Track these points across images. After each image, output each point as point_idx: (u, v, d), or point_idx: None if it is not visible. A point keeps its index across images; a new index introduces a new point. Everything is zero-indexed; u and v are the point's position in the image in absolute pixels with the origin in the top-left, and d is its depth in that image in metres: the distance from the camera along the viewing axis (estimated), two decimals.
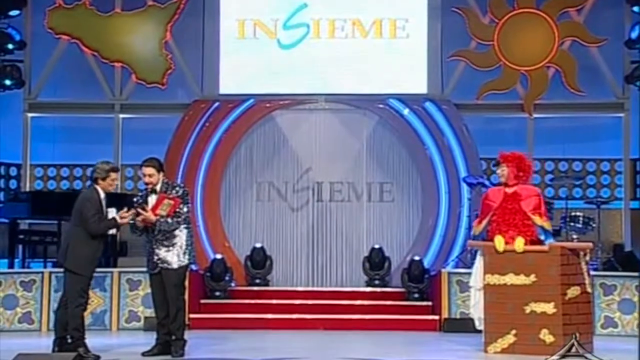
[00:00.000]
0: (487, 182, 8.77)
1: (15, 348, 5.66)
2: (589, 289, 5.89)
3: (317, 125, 9.62)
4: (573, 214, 8.27)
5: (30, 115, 9.90)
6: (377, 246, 8.86)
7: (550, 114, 9.75)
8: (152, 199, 5.70)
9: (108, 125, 9.86)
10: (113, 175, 5.62)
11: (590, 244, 6.12)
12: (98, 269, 5.78)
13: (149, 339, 6.28)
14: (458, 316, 7.55)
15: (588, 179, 9.77)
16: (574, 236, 7.97)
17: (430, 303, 7.98)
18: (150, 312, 7.62)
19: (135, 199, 5.84)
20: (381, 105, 9.59)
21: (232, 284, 8.44)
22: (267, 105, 9.64)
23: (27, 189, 9.69)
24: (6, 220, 8.85)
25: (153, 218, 5.59)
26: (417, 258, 8.40)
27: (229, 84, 9.73)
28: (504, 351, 5.76)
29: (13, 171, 9.96)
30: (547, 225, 5.94)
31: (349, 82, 9.71)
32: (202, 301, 8.11)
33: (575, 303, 5.75)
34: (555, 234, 7.93)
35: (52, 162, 9.96)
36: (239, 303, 8.10)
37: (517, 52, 9.62)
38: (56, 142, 9.93)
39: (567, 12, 9.68)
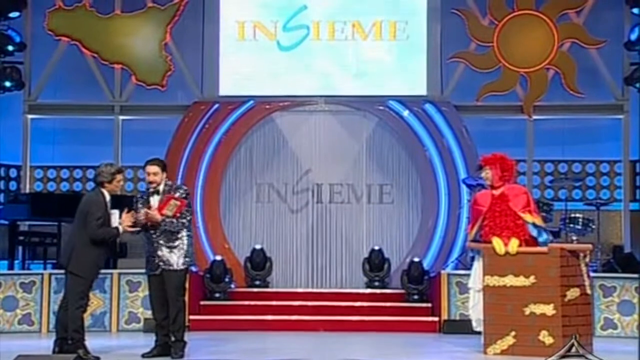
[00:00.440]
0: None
1: (15, 349, 5.69)
2: (588, 291, 5.89)
3: (317, 127, 9.63)
4: (572, 215, 8.28)
5: (30, 116, 9.91)
6: (376, 248, 8.87)
7: (549, 116, 9.77)
8: (154, 200, 5.70)
9: (108, 126, 9.87)
10: (119, 177, 5.62)
11: (590, 246, 6.12)
12: (97, 276, 5.76)
13: (149, 341, 6.28)
14: (458, 318, 7.55)
15: (587, 181, 9.78)
16: (574, 238, 8.03)
17: (429, 304, 7.98)
18: (150, 313, 7.64)
19: (135, 199, 5.83)
20: (381, 107, 9.61)
21: (232, 286, 8.45)
22: (267, 106, 9.65)
23: (27, 191, 9.69)
24: (6, 222, 8.84)
25: (159, 217, 5.59)
26: (416, 259, 8.41)
27: (228, 85, 9.75)
28: (503, 352, 5.76)
29: (13, 173, 9.97)
30: (538, 221, 5.94)
31: (349, 84, 9.73)
32: (202, 302, 8.11)
33: (575, 304, 5.75)
34: (555, 235, 7.95)
35: (52, 164, 9.96)
36: (238, 304, 8.10)
37: (516, 54, 9.64)
38: (56, 143, 9.94)
39: (567, 14, 9.70)
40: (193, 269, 7.03)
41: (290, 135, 9.63)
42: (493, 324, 5.83)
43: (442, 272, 7.90)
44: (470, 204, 6.27)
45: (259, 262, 8.70)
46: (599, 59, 9.65)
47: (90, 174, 5.91)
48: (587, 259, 5.94)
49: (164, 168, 5.75)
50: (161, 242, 5.65)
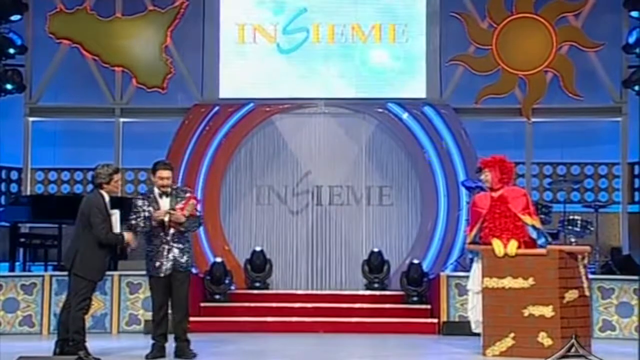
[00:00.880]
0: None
1: (16, 351, 5.71)
2: (587, 292, 5.90)
3: (317, 129, 9.67)
4: (571, 217, 8.30)
5: (31, 119, 9.93)
6: (376, 249, 8.89)
7: (548, 118, 9.80)
8: (165, 202, 5.75)
9: (108, 129, 9.89)
10: (116, 177, 5.64)
11: (588, 248, 6.13)
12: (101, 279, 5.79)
13: (149, 342, 6.30)
14: (457, 319, 7.57)
15: (586, 183, 9.81)
16: (572, 239, 8.05)
17: (429, 306, 8.00)
18: (150, 315, 7.66)
19: (140, 202, 5.81)
20: (380, 110, 9.64)
21: (232, 287, 8.47)
22: (267, 109, 9.69)
23: (28, 193, 9.71)
24: (7, 224, 8.86)
25: (183, 218, 5.69)
26: (416, 261, 8.43)
27: (228, 88, 9.78)
28: (502, 354, 5.77)
29: (14, 175, 9.98)
30: (537, 223, 5.96)
31: (349, 87, 9.76)
32: (202, 304, 8.13)
33: (574, 306, 5.76)
34: (554, 237, 7.97)
35: (53, 166, 9.97)
36: (238, 306, 8.12)
37: (515, 57, 9.68)
38: (57, 146, 9.96)
39: (565, 17, 9.74)
40: (193, 270, 7.05)
41: (290, 137, 9.66)
42: (492, 325, 5.85)
43: (441, 273, 7.92)
44: (469, 206, 6.29)
45: (259, 264, 8.72)
46: (598, 62, 9.69)
47: (91, 176, 5.90)
48: (586, 261, 5.95)
49: (173, 172, 5.89)
50: (173, 243, 5.71)
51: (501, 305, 5.82)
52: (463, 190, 9.21)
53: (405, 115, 9.64)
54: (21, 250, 8.85)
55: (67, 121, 9.97)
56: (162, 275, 5.73)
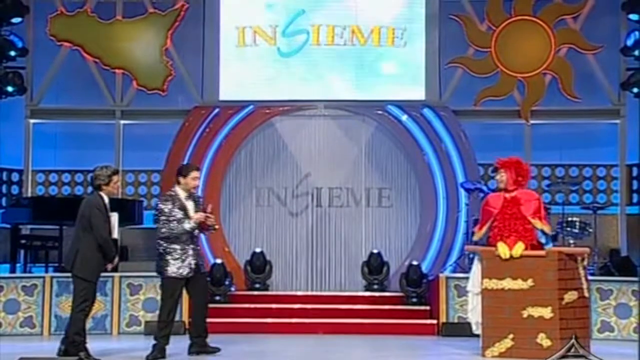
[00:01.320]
0: (484, 188, 8.84)
1: (16, 352, 5.73)
2: (586, 294, 5.91)
3: (316, 131, 9.70)
4: (570, 219, 8.31)
5: (32, 121, 9.97)
6: (375, 251, 8.92)
7: (547, 120, 9.84)
8: (190, 205, 5.84)
9: (109, 131, 9.93)
10: (115, 178, 5.66)
11: (587, 249, 6.13)
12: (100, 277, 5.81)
13: (150, 343, 6.32)
14: (456, 320, 7.59)
15: (584, 185, 9.84)
16: (571, 241, 8.07)
17: (428, 307, 8.02)
18: (151, 316, 7.69)
19: (167, 209, 5.77)
20: (380, 112, 9.68)
21: (232, 289, 8.49)
22: (267, 111, 9.72)
23: (29, 195, 9.74)
24: (8, 226, 8.89)
25: (216, 225, 6.01)
26: (415, 263, 8.45)
27: (228, 90, 9.81)
28: (501, 355, 5.79)
29: (15, 177, 10.00)
30: (547, 228, 5.96)
31: (348, 89, 9.80)
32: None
33: (572, 307, 5.77)
34: (552, 238, 7.99)
35: (54, 168, 9.99)
36: (238, 307, 8.14)
37: (514, 59, 9.72)
38: (58, 148, 9.98)
39: (564, 20, 9.78)
40: None
41: (289, 139, 9.70)
42: (491, 326, 5.85)
43: (441, 275, 7.94)
44: (482, 205, 6.31)
45: (259, 266, 8.74)
46: (596, 64, 9.73)
47: (90, 178, 5.92)
48: (585, 262, 5.97)
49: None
50: (193, 245, 5.84)
51: (500, 306, 5.83)
52: (462, 192, 9.24)
53: (404, 117, 9.68)
54: (22, 251, 8.86)
55: (67, 123, 10.00)
56: (183, 277, 5.79)
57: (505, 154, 6.47)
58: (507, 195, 6.03)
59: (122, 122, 9.97)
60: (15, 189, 9.99)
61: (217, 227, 6.06)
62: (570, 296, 5.78)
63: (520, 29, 9.71)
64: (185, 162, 9.55)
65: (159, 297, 7.72)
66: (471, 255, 7.32)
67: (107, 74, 9.89)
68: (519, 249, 5.83)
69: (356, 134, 9.69)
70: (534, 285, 5.76)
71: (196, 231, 5.85)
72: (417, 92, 9.75)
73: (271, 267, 8.83)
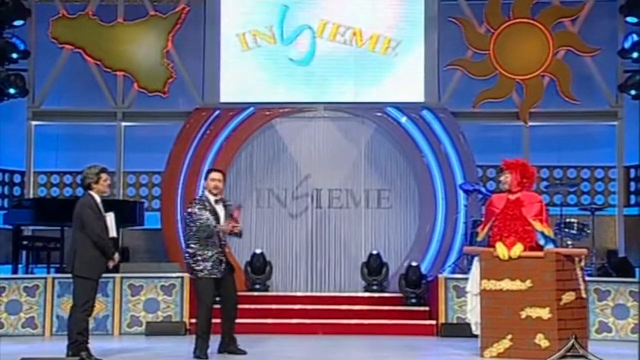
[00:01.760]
0: (483, 189, 8.88)
1: (18, 352, 5.76)
2: (583, 295, 5.93)
3: (316, 133, 9.74)
4: (568, 220, 8.34)
5: (33, 123, 10.01)
6: (375, 252, 8.95)
7: (545, 122, 9.88)
8: (220, 209, 5.96)
9: (110, 132, 9.97)
10: (104, 176, 5.69)
11: (585, 250, 6.15)
12: (101, 276, 5.85)
13: (150, 344, 6.40)
14: (455, 321, 7.63)
15: (582, 186, 9.88)
16: (569, 242, 8.10)
17: (427, 308, 8.06)
18: (151, 316, 7.74)
19: (198, 212, 5.88)
20: (379, 114, 9.72)
21: None
22: (267, 113, 9.77)
23: (31, 196, 9.78)
24: (10, 227, 8.93)
25: (241, 227, 6.08)
26: (414, 264, 8.48)
27: (229, 92, 9.86)
28: (499, 355, 5.81)
29: (17, 178, 10.04)
30: (547, 231, 5.96)
31: (348, 91, 9.84)
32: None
33: (570, 308, 5.80)
34: (553, 241, 8.01)
35: (55, 170, 10.04)
36: (238, 308, 8.16)
37: (512, 61, 9.76)
38: (59, 149, 10.02)
39: (562, 22, 9.82)
40: None
41: (289, 141, 9.74)
42: (489, 327, 5.88)
43: (440, 276, 7.97)
44: (486, 205, 6.35)
45: (259, 266, 8.78)
46: (594, 67, 9.78)
47: (80, 180, 5.96)
48: (582, 263, 6.00)
49: (224, 175, 6.15)
50: (223, 247, 5.99)
51: (499, 307, 5.85)
52: (461, 194, 9.29)
53: (403, 119, 9.72)
54: (24, 252, 8.91)
55: (69, 125, 10.04)
56: (213, 277, 5.89)
57: (504, 156, 6.51)
58: (511, 196, 6.06)
59: (123, 123, 10.01)
60: (17, 191, 10.03)
61: (241, 233, 6.10)
62: (568, 297, 5.81)
63: (519, 31, 9.76)
64: (186, 163, 9.64)
65: (159, 298, 7.82)
66: (470, 256, 7.36)
67: (109, 76, 9.94)
68: (517, 250, 5.87)
69: (356, 136, 9.73)
70: (532, 286, 5.79)
71: (221, 234, 5.93)
72: (416, 94, 9.79)
73: (271, 268, 8.87)
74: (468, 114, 9.86)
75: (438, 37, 9.82)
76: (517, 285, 5.83)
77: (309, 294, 8.91)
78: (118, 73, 9.92)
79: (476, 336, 6.09)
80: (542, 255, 5.87)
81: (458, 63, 9.83)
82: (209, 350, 5.87)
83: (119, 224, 8.29)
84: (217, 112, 9.79)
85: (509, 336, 5.81)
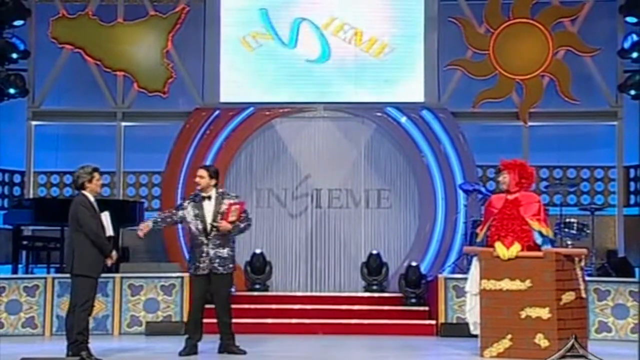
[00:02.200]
0: (482, 189, 8.89)
1: (18, 352, 5.76)
2: (583, 294, 5.92)
3: (316, 133, 9.75)
4: (567, 220, 8.35)
5: (33, 123, 10.01)
6: (374, 252, 8.95)
7: (545, 122, 9.89)
8: (208, 205, 5.90)
9: (110, 133, 9.97)
10: (97, 175, 5.71)
11: (585, 250, 6.15)
12: (101, 275, 5.85)
13: (151, 344, 6.40)
14: (454, 321, 7.63)
15: (582, 186, 9.89)
16: (569, 242, 8.11)
17: (427, 308, 8.06)
18: (151, 316, 7.75)
19: (184, 200, 5.96)
20: (379, 114, 9.73)
21: (232, 289, 8.53)
22: (267, 113, 9.78)
23: (31, 196, 9.78)
24: (10, 227, 8.94)
25: (229, 227, 5.87)
26: (414, 264, 8.48)
27: (229, 92, 9.86)
28: (499, 355, 5.81)
29: (17, 178, 10.05)
30: (544, 230, 5.97)
31: (348, 91, 9.85)
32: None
33: (570, 308, 5.80)
34: (552, 241, 8.02)
35: (55, 170, 10.04)
36: (238, 308, 8.08)
37: (512, 62, 9.77)
38: (59, 149, 10.03)
39: (562, 22, 9.83)
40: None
41: (289, 141, 9.75)
42: (489, 327, 5.88)
43: (439, 276, 7.97)
44: (485, 206, 6.36)
45: (258, 266, 8.78)
46: (593, 67, 9.79)
47: (73, 181, 5.97)
48: (582, 263, 6.01)
49: (212, 175, 5.99)
50: (213, 244, 5.88)
51: (498, 307, 5.85)
52: (461, 194, 9.29)
53: (403, 119, 9.73)
54: (24, 252, 8.91)
55: (69, 125, 10.05)
56: (199, 274, 5.87)
57: (503, 156, 6.51)
58: (509, 196, 6.07)
59: (123, 123, 10.02)
60: (17, 191, 10.04)
61: (223, 228, 5.89)
62: (568, 297, 5.81)
63: (519, 31, 9.77)
64: (186, 163, 9.65)
65: (159, 298, 7.82)
66: (470, 256, 7.37)
67: (109, 76, 9.94)
68: (514, 249, 5.88)
69: (355, 136, 9.74)
70: (532, 286, 5.79)
71: (212, 233, 5.87)
72: (416, 94, 9.80)
73: (271, 268, 8.87)
74: (468, 114, 9.87)
75: (438, 37, 9.83)
76: (516, 285, 5.83)
77: (308, 293, 8.91)
78: (118, 73, 9.92)
79: (475, 336, 6.10)
80: (541, 255, 5.88)
81: (458, 63, 9.84)
82: (198, 349, 5.89)
83: (119, 224, 8.35)
84: (217, 112, 9.79)
85: (509, 336, 5.81)
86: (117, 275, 7.82)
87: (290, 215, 9.61)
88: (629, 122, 9.64)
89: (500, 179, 6.15)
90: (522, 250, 5.90)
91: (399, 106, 9.74)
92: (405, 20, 9.91)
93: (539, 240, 5.96)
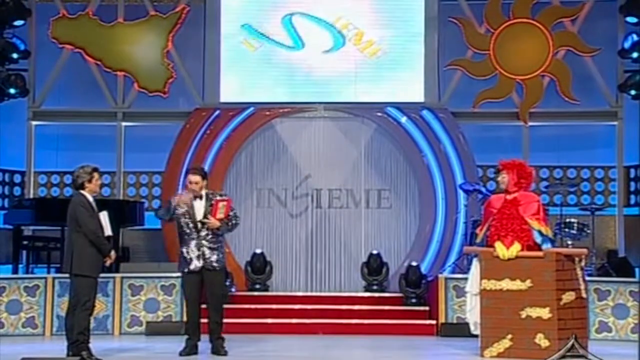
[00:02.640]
0: (483, 189, 8.90)
1: (19, 352, 5.77)
2: (584, 294, 5.93)
3: (316, 133, 9.76)
4: (568, 220, 8.35)
5: (34, 123, 10.01)
6: (375, 252, 8.96)
7: (545, 122, 9.89)
8: (199, 204, 5.92)
9: (111, 133, 9.97)
10: (96, 175, 5.70)
11: (585, 250, 6.16)
12: (101, 275, 5.86)
13: (151, 344, 6.40)
14: (455, 321, 7.64)
15: (582, 186, 9.89)
16: (569, 242, 8.12)
17: (427, 308, 8.06)
18: (152, 316, 7.75)
19: (173, 199, 5.97)
20: (379, 114, 9.73)
21: (232, 289, 8.55)
22: (267, 113, 9.78)
23: (31, 196, 9.79)
24: (10, 227, 8.94)
25: (217, 223, 5.86)
26: (414, 264, 8.49)
27: (229, 92, 9.87)
28: (499, 355, 5.82)
29: (17, 178, 10.05)
30: (544, 230, 5.98)
31: (348, 91, 9.85)
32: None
33: (570, 308, 5.80)
34: (551, 240, 8.02)
35: (56, 170, 10.03)
36: (239, 308, 8.17)
37: (512, 61, 9.77)
38: (59, 149, 10.02)
39: (562, 22, 9.83)
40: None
41: (290, 141, 9.76)
42: (489, 327, 5.88)
43: (440, 276, 7.97)
44: (484, 206, 6.37)
45: (259, 266, 8.79)
46: (594, 67, 9.79)
47: (72, 181, 5.96)
48: (582, 263, 6.01)
49: (204, 177, 6.03)
50: (205, 241, 5.88)
51: (499, 307, 5.85)
52: (461, 194, 9.30)
53: (403, 119, 9.73)
54: (24, 252, 8.91)
55: (69, 125, 10.05)
56: (192, 270, 5.86)
57: (503, 156, 6.53)
58: (508, 196, 6.08)
59: (124, 123, 10.02)
60: (17, 191, 10.04)
61: (211, 225, 5.85)
62: (568, 297, 5.81)
63: (519, 31, 9.76)
64: (186, 163, 9.64)
65: (160, 298, 7.83)
66: (470, 256, 7.37)
67: (109, 76, 9.94)
68: (514, 249, 5.89)
69: (356, 136, 9.74)
70: (532, 286, 5.79)
71: (204, 231, 5.88)
72: (416, 94, 9.80)
73: (271, 268, 8.88)
74: (468, 114, 9.87)
75: (438, 37, 9.83)
76: (517, 285, 5.84)
77: (309, 293, 8.92)
78: (118, 73, 9.92)
79: (476, 336, 6.10)
80: (542, 255, 5.88)
81: (458, 63, 9.84)
82: (198, 349, 5.89)
83: (120, 224, 8.35)
84: (217, 112, 9.80)
85: (509, 336, 5.82)
86: (117, 275, 7.83)
87: (291, 215, 9.61)
88: (629, 122, 9.64)
89: (499, 179, 6.16)
90: (522, 249, 5.91)
91: (399, 106, 9.75)
92: (405, 20, 9.91)
93: (538, 240, 5.97)
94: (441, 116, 9.72)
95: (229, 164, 9.65)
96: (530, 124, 9.84)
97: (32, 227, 9.22)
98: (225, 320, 7.90)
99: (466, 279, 6.47)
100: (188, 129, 9.76)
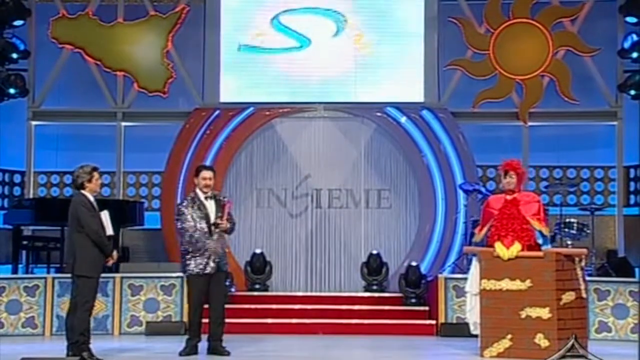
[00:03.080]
0: (482, 189, 8.90)
1: (18, 352, 5.78)
2: (583, 294, 5.94)
3: (316, 133, 9.76)
4: (567, 220, 8.36)
5: (34, 123, 10.02)
6: (374, 252, 8.96)
7: (545, 122, 9.90)
8: (209, 205, 5.95)
9: (110, 133, 9.98)
10: (96, 175, 5.71)
11: (585, 250, 6.17)
12: (101, 275, 5.87)
13: (151, 344, 6.40)
14: (454, 321, 7.65)
15: (582, 186, 9.90)
16: (569, 242, 8.12)
17: (427, 308, 8.07)
18: (151, 316, 7.75)
19: (186, 211, 5.91)
20: (379, 114, 9.74)
21: (232, 289, 8.55)
22: (267, 113, 9.78)
23: (31, 196, 9.80)
24: (10, 227, 8.95)
25: (228, 225, 5.99)
26: (414, 264, 8.49)
27: (229, 92, 9.87)
28: (499, 355, 5.82)
29: (17, 178, 10.06)
30: (544, 230, 6.00)
31: (348, 91, 9.85)
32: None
33: (570, 308, 5.81)
34: (550, 240, 8.04)
35: (55, 170, 10.04)
36: (239, 308, 8.17)
37: (512, 61, 9.77)
38: (59, 149, 10.02)
39: (562, 22, 9.84)
40: None
41: (289, 141, 9.76)
42: (489, 327, 5.89)
43: (439, 275, 7.98)
44: (483, 207, 6.37)
45: (258, 266, 8.79)
46: (593, 67, 9.79)
47: (72, 180, 5.96)
48: (582, 263, 6.01)
49: (215, 174, 6.12)
50: (215, 245, 5.93)
51: (499, 307, 5.86)
52: (461, 194, 9.30)
53: (403, 119, 9.74)
54: (24, 252, 8.92)
55: (69, 125, 10.05)
56: (206, 272, 5.89)
57: (503, 156, 6.55)
58: (509, 197, 6.08)
59: (124, 123, 10.02)
60: (17, 191, 10.04)
61: (223, 227, 5.95)
62: (568, 297, 5.82)
63: (519, 31, 9.77)
64: (186, 163, 9.65)
65: (159, 298, 7.83)
66: (470, 256, 7.38)
67: (109, 76, 9.95)
68: (515, 249, 5.90)
69: (355, 136, 9.75)
70: (532, 286, 5.80)
71: (216, 232, 5.92)
72: (416, 94, 9.80)
73: (271, 268, 8.88)
74: (468, 114, 9.87)
75: (438, 37, 9.83)
76: (516, 285, 5.84)
77: (308, 293, 8.92)
78: (118, 73, 9.93)
79: (475, 336, 6.10)
80: (542, 255, 5.89)
81: (458, 63, 9.84)
82: (198, 349, 5.90)
83: (120, 224, 8.35)
84: (217, 112, 9.80)
85: (509, 336, 5.83)
86: (117, 275, 7.83)
87: (290, 215, 9.61)
88: (629, 122, 9.65)
89: (507, 180, 6.14)
90: (522, 249, 5.91)
91: (399, 106, 9.75)
92: (405, 20, 9.91)
93: (540, 240, 5.98)
94: (441, 116, 9.73)
95: (228, 164, 9.65)
96: (530, 124, 9.84)
97: (31, 227, 9.23)
98: (225, 320, 7.97)
99: (466, 279, 6.47)
100: (188, 129, 9.77)
